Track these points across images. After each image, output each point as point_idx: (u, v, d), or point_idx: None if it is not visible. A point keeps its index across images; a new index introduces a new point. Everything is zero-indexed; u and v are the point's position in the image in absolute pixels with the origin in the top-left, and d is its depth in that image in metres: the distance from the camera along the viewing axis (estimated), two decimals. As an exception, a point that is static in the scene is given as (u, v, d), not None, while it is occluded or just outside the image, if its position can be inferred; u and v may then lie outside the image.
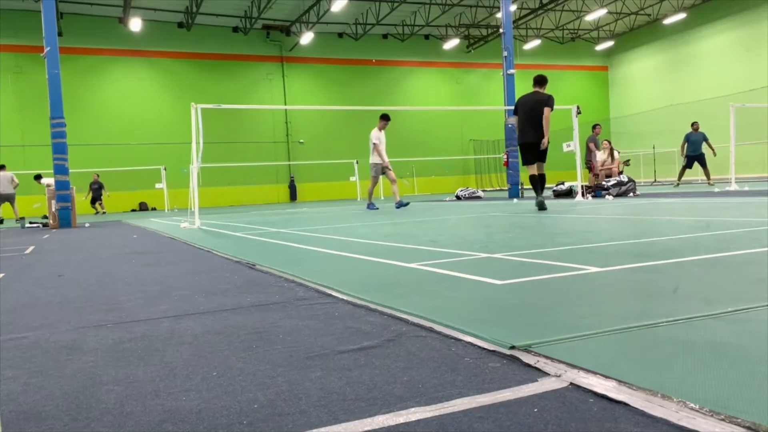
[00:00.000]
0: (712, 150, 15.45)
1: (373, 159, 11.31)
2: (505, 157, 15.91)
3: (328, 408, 1.22)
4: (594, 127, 15.34)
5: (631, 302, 2.05)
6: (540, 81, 8.51)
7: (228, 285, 2.97)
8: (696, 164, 15.86)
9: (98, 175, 21.26)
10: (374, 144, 11.19)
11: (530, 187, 8.80)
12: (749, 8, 25.73)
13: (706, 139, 15.77)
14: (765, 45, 24.99)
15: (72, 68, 22.45)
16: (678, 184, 16.71)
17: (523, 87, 18.82)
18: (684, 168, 16.24)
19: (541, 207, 8.07)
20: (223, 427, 1.16)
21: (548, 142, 8.16)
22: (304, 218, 9.64)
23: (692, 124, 16.02)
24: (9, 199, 15.69)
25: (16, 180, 16.00)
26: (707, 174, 15.85)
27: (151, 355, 1.73)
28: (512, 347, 1.54)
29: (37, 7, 12.17)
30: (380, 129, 11.31)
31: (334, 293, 2.55)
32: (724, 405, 1.09)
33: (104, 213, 19.53)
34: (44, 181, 16.50)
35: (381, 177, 11.56)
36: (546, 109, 8.08)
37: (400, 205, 11.15)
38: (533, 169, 8.40)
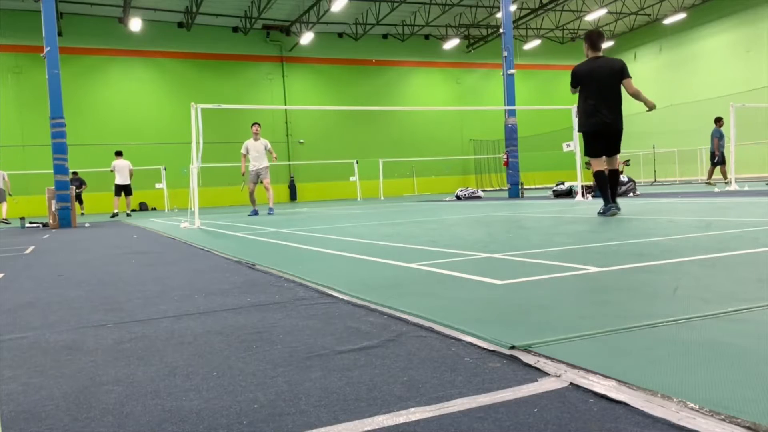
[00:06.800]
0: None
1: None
2: (505, 157, 15.92)
3: (328, 408, 1.22)
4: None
5: (631, 302, 2.05)
6: (597, 40, 6.29)
7: (228, 285, 2.97)
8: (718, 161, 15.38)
9: (76, 172, 18.71)
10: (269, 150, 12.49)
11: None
12: (749, 8, 25.73)
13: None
14: (765, 45, 24.98)
15: (72, 68, 22.44)
16: (721, 182, 15.66)
17: (524, 87, 18.87)
18: (722, 164, 15.51)
19: (611, 213, 6.14)
20: (223, 427, 1.16)
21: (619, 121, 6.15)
22: (303, 218, 9.64)
23: (717, 120, 15.60)
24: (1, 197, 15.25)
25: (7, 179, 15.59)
26: (724, 173, 15.53)
27: (151, 355, 1.73)
28: (512, 347, 1.54)
29: (37, 7, 12.18)
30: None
31: (334, 293, 2.54)
32: (724, 405, 1.09)
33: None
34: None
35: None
36: (627, 81, 6.11)
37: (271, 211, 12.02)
38: (601, 164, 6.27)
